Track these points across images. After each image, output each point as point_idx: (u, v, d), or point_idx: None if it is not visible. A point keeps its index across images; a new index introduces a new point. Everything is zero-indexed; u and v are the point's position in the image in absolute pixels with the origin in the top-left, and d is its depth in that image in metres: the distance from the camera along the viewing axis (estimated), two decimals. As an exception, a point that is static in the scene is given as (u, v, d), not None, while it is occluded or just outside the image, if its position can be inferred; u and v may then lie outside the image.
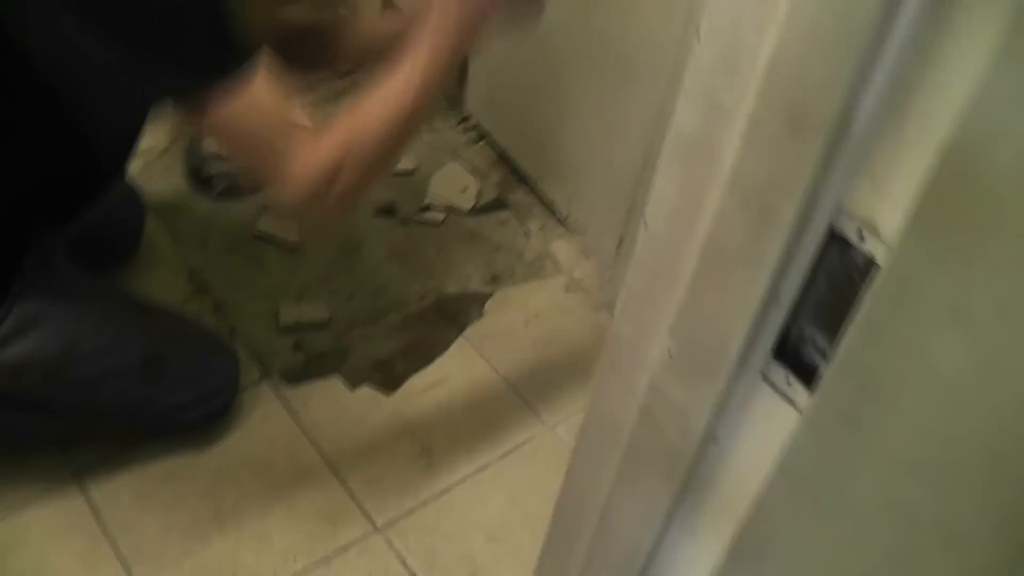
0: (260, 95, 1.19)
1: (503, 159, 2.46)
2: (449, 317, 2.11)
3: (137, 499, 1.76)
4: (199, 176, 2.28)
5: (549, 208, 2.34)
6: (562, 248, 2.28)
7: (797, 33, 0.57)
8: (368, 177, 1.32)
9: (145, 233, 2.14)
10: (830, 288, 0.67)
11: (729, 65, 0.63)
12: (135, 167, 2.31)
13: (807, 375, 0.72)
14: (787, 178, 0.61)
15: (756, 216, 0.65)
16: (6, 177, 1.44)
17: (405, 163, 2.42)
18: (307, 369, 1.98)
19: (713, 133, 0.66)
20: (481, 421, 1.95)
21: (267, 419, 1.90)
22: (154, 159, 2.36)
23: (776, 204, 0.63)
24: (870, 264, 0.63)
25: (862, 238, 0.62)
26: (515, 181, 2.42)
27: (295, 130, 1.24)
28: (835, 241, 0.64)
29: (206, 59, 1.18)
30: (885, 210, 0.60)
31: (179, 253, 2.16)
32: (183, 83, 1.20)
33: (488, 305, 2.15)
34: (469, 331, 2.09)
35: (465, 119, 2.56)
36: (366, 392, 1.97)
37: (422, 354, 2.04)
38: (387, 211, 2.31)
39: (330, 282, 2.14)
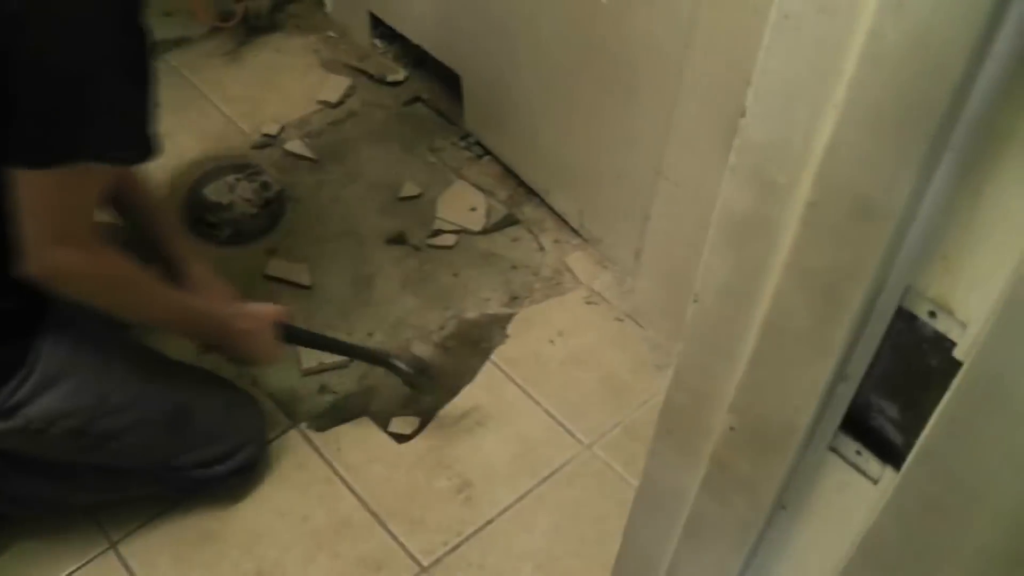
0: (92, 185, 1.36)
1: (509, 173, 2.42)
2: (472, 343, 2.08)
3: (176, 564, 1.74)
4: (204, 223, 2.25)
5: (562, 220, 2.31)
6: (579, 260, 2.24)
7: (858, 117, 0.54)
8: (111, 302, 1.50)
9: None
10: (898, 361, 0.64)
11: (781, 145, 0.59)
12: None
13: (877, 445, 0.69)
14: (853, 262, 0.58)
15: (820, 299, 0.62)
16: None
17: (410, 188, 2.39)
18: (335, 412, 1.96)
19: (767, 213, 0.62)
20: (517, 447, 1.92)
21: (300, 468, 1.87)
22: (157, 208, 2.32)
23: (842, 287, 0.60)
24: (943, 339, 0.60)
25: (934, 316, 0.59)
26: (524, 195, 2.38)
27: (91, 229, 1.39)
28: (903, 317, 0.61)
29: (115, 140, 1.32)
30: (959, 290, 0.57)
31: (193, 305, 2.12)
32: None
33: (510, 327, 2.12)
34: (494, 356, 2.06)
35: (465, 136, 2.53)
36: (397, 430, 1.94)
37: (449, 384, 2.01)
38: (397, 239, 2.28)
39: (347, 320, 2.11)
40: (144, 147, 1.35)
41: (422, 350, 1.99)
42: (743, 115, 0.62)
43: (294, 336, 1.78)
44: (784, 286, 0.63)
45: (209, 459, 1.70)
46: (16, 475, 1.64)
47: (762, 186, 0.62)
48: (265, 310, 1.71)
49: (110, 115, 1.30)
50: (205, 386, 1.76)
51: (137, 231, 1.69)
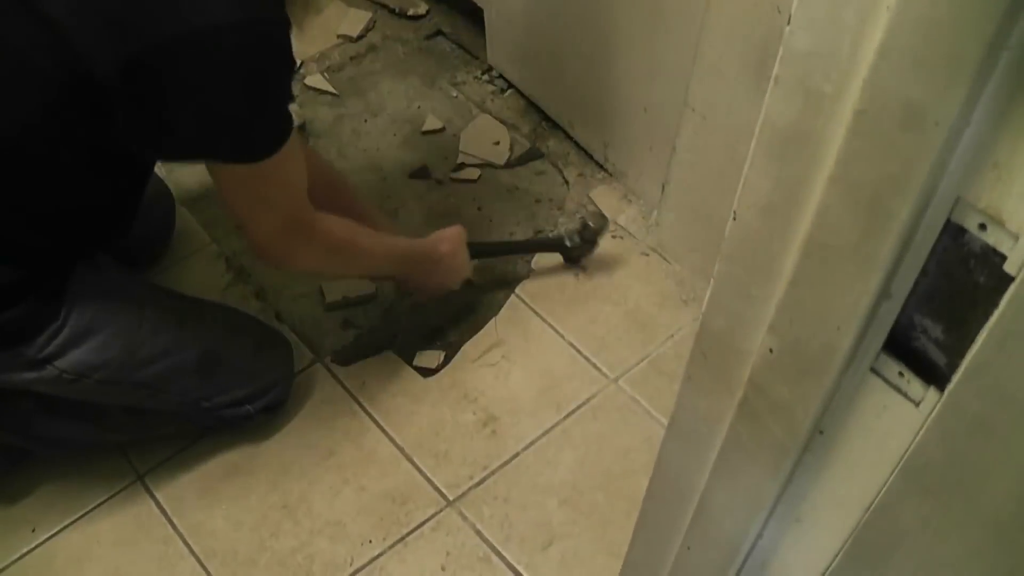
0: (293, 163, 1.40)
1: (532, 107, 2.39)
2: (497, 278, 2.07)
3: (203, 498, 1.75)
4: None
5: (586, 154, 2.28)
6: (603, 194, 2.22)
7: (912, 18, 0.51)
8: (337, 269, 1.73)
9: (177, 225, 2.10)
10: (944, 277, 0.62)
11: (829, 52, 0.57)
12: (160, 154, 2.27)
13: (920, 366, 0.67)
14: (902, 173, 0.56)
15: (866, 212, 0.60)
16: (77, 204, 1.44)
17: (432, 122, 2.36)
18: (358, 347, 1.95)
19: (812, 125, 0.60)
20: (542, 382, 1.91)
21: (324, 402, 1.87)
22: (178, 144, 2.31)
23: (889, 200, 0.58)
24: (992, 253, 0.58)
25: (983, 228, 0.57)
26: (547, 129, 2.35)
27: (307, 203, 1.47)
28: (951, 231, 0.59)
29: (269, 130, 1.34)
30: (1012, 199, 0.55)
31: (214, 241, 2.11)
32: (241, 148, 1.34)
33: (534, 261, 2.10)
34: (519, 290, 2.05)
35: (488, 70, 2.49)
36: (422, 364, 1.94)
37: (474, 319, 2.00)
38: (420, 173, 2.26)
39: (372, 254, 2.09)
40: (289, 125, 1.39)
41: (593, 219, 2.05)
42: (788, 23, 0.60)
43: (477, 251, 1.89)
44: (828, 200, 0.61)
45: (240, 399, 1.72)
46: (45, 416, 1.65)
47: (807, 96, 0.60)
48: (454, 230, 1.82)
49: (285, 97, 1.36)
50: (234, 328, 1.76)
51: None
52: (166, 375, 1.59)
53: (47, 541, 1.69)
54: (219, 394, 1.69)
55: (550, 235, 2.10)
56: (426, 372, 1.92)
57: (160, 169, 2.10)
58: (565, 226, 2.08)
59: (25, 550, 1.68)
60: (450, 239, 1.79)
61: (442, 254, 1.76)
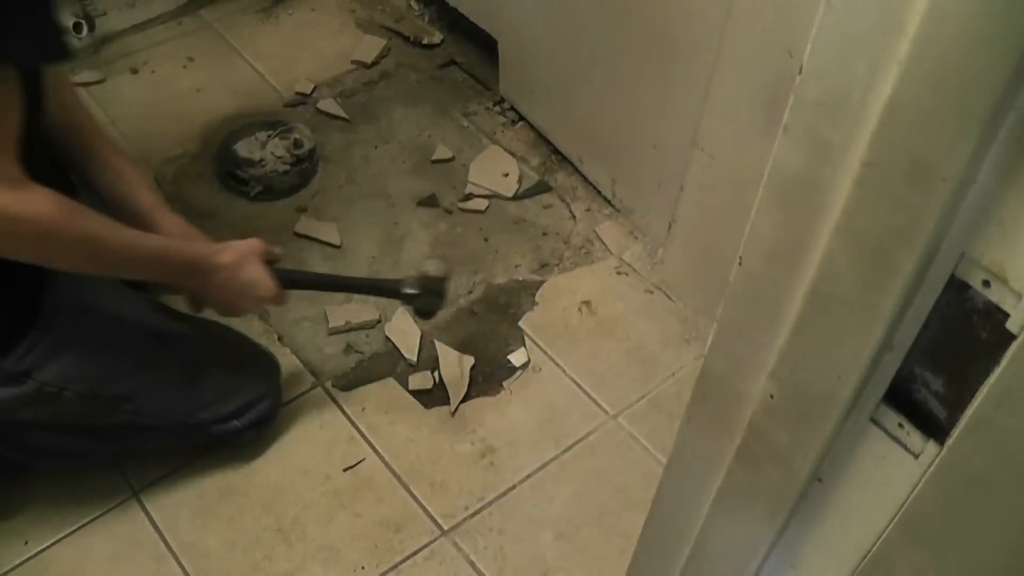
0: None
1: (542, 140, 2.40)
2: (501, 309, 2.07)
3: (197, 516, 1.74)
4: (235, 178, 2.25)
5: (594, 189, 2.29)
6: (610, 230, 2.22)
7: (921, 73, 0.52)
8: (56, 261, 1.33)
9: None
10: (946, 332, 0.62)
11: (838, 103, 0.57)
12: (168, 172, 2.28)
13: (920, 419, 0.67)
14: (907, 226, 0.56)
15: (870, 264, 0.60)
16: None
17: (442, 151, 2.37)
18: (360, 372, 1.95)
19: (819, 174, 0.61)
20: (541, 415, 1.91)
21: (323, 427, 1.87)
22: (187, 164, 2.32)
23: (894, 252, 0.58)
24: (995, 310, 0.58)
25: (987, 285, 0.57)
26: (556, 162, 2.36)
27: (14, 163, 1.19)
28: (955, 286, 0.60)
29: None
30: (1016, 258, 0.55)
31: (222, 260, 2.12)
32: None
33: (539, 294, 2.10)
34: (522, 322, 2.05)
35: (500, 102, 2.51)
36: (416, 386, 1.94)
37: (477, 349, 2.00)
38: (428, 202, 2.27)
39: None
40: (52, 44, 1.19)
41: (434, 266, 1.72)
42: (799, 72, 0.60)
43: (291, 279, 1.63)
44: (833, 250, 0.62)
45: (225, 415, 1.69)
46: (37, 429, 1.63)
47: (815, 146, 0.60)
48: (245, 244, 1.55)
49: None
50: (218, 342, 1.74)
51: (100, 187, 1.54)
52: (146, 388, 1.58)
53: (39, 554, 1.68)
54: (203, 410, 1.66)
55: (389, 279, 1.82)
56: (422, 396, 1.91)
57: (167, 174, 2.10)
58: (407, 274, 1.74)
59: (17, 562, 1.67)
60: (236, 251, 1.52)
61: (219, 265, 1.49)
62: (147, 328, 1.59)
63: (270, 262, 1.59)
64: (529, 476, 1.82)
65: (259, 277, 1.55)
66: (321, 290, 1.93)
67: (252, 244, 1.56)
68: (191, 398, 1.65)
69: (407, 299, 1.70)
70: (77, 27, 2.43)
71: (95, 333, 1.50)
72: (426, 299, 1.70)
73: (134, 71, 2.54)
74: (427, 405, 1.91)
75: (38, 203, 1.20)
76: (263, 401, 1.74)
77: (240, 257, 1.52)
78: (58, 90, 1.45)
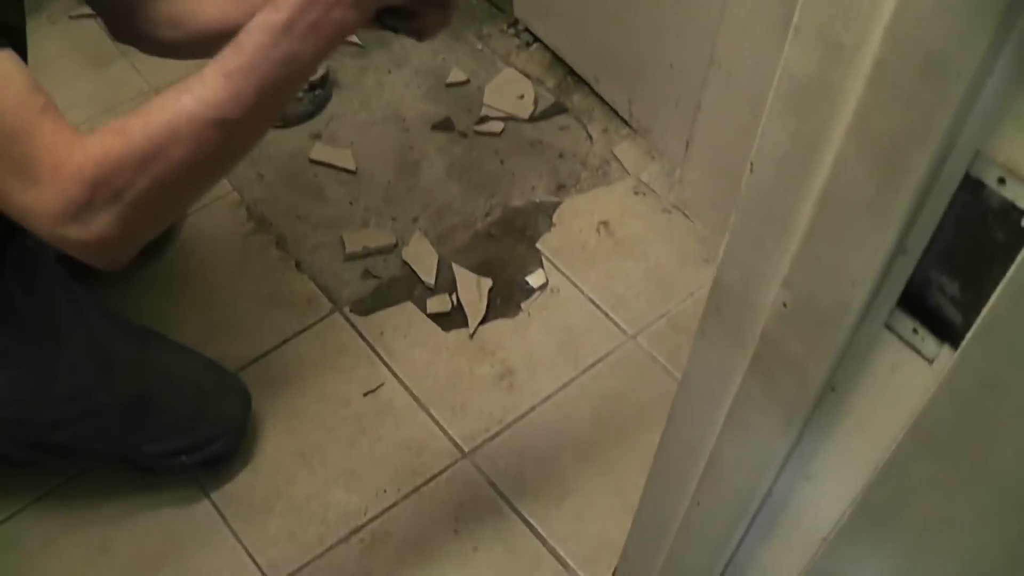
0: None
1: (558, 62, 2.37)
2: (518, 231, 2.06)
3: (222, 442, 1.76)
4: (249, 105, 2.23)
5: (611, 109, 2.27)
6: (627, 150, 2.20)
7: (933, -35, 0.50)
8: (171, 191, 0.95)
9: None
10: (961, 233, 0.61)
11: (849, 1, 0.56)
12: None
13: (935, 323, 0.66)
14: (921, 125, 0.55)
15: (884, 165, 0.59)
16: None
17: (456, 75, 2.35)
18: (377, 296, 1.95)
19: (831, 76, 0.59)
20: (560, 336, 1.91)
21: (342, 352, 1.88)
22: (202, 91, 2.30)
23: (908, 152, 0.57)
24: (1011, 209, 0.57)
25: (1003, 183, 0.56)
26: (572, 84, 2.34)
27: (51, 119, 0.92)
28: (969, 185, 0.58)
29: None
30: (1033, 153, 0.54)
31: (235, 189, 2.11)
32: None
33: (556, 215, 2.09)
34: (540, 244, 2.04)
35: (514, 23, 2.47)
36: (435, 309, 1.94)
37: (494, 272, 1.99)
38: (443, 126, 2.25)
39: (392, 205, 2.09)
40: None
41: None
42: (809, -30, 0.58)
43: None
44: (846, 153, 0.60)
45: (173, 450, 1.59)
46: None
47: (827, 46, 0.59)
48: None
49: None
50: (176, 373, 1.62)
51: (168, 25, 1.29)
52: (81, 417, 1.47)
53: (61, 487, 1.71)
54: (148, 443, 1.56)
55: None
56: (441, 319, 1.92)
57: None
58: None
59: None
60: None
61: None
62: (93, 355, 1.48)
63: None
64: (548, 397, 1.83)
65: None
66: None
67: None
68: (135, 431, 1.54)
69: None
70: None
71: (28, 359, 1.39)
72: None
73: None
74: (445, 328, 1.91)
75: (110, 149, 0.91)
76: (218, 441, 1.64)
77: None
78: None
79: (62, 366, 1.42)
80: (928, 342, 0.67)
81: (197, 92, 0.93)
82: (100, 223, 0.91)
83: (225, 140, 0.95)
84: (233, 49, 0.93)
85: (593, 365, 1.87)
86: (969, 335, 0.58)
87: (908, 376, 0.69)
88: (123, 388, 1.50)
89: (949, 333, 0.65)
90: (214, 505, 1.68)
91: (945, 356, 0.65)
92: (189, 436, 1.59)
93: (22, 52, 0.98)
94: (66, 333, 1.45)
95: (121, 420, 1.51)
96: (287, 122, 2.23)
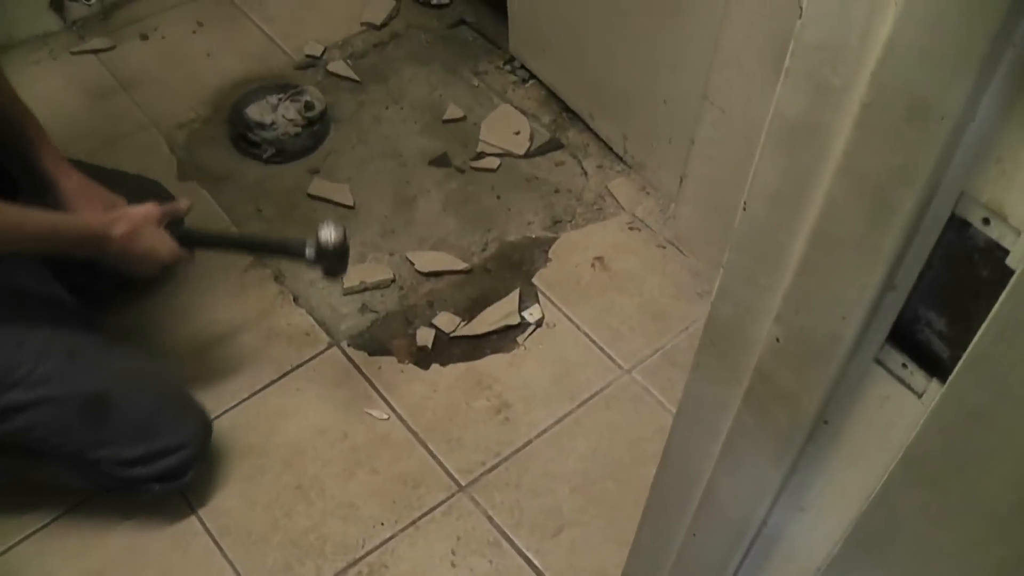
0: None
1: (553, 98, 2.40)
2: (514, 266, 2.08)
3: (218, 476, 1.77)
4: (247, 141, 2.26)
5: (606, 145, 2.29)
6: (621, 186, 2.23)
7: (919, 12, 0.52)
8: None
9: (197, 207, 2.11)
10: (948, 271, 0.63)
11: (837, 46, 0.58)
12: (180, 137, 2.29)
13: (923, 358, 0.68)
14: (907, 165, 0.57)
15: (872, 204, 0.61)
16: None
17: (453, 111, 2.37)
18: (375, 331, 1.97)
19: (821, 117, 0.61)
20: (556, 370, 1.92)
21: (340, 386, 1.89)
22: (199, 128, 2.33)
23: (894, 192, 0.59)
24: (995, 248, 0.59)
25: (987, 223, 0.58)
26: (568, 120, 2.36)
27: None
28: (955, 225, 0.60)
29: None
30: (1014, 195, 0.56)
31: (234, 224, 2.13)
32: None
33: (552, 250, 2.11)
34: (535, 279, 2.06)
35: (510, 60, 2.50)
36: (421, 342, 1.95)
37: (491, 306, 2.01)
38: (440, 161, 2.27)
39: (389, 240, 2.11)
40: None
41: (328, 231, 1.61)
42: (799, 17, 0.61)
43: (195, 239, 1.64)
44: (835, 191, 0.62)
45: (130, 458, 1.58)
46: None
47: (816, 89, 0.61)
48: (141, 210, 1.55)
49: None
50: (138, 378, 1.63)
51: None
52: (44, 404, 1.48)
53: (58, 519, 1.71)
54: (105, 446, 1.55)
55: (294, 239, 1.68)
56: (423, 352, 1.94)
57: (178, 139, 2.10)
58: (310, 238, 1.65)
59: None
60: (129, 220, 1.51)
61: (112, 237, 1.49)
62: (62, 342, 1.52)
63: (174, 221, 1.61)
64: (545, 431, 1.84)
65: (157, 243, 1.56)
66: (226, 250, 1.83)
67: (148, 211, 1.55)
68: (92, 430, 1.54)
69: (309, 263, 1.65)
70: (86, -7, 2.44)
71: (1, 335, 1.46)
72: (328, 262, 1.65)
73: (144, 37, 2.55)
74: (443, 363, 1.92)
75: None
76: (176, 453, 1.62)
77: (133, 227, 1.52)
78: None
79: (27, 351, 1.46)
80: (917, 376, 0.68)
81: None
82: None
83: None
84: (41, 217, 1.42)
85: (589, 399, 1.89)
86: (956, 369, 0.59)
87: (898, 409, 0.71)
88: (85, 381, 1.52)
89: (937, 368, 0.67)
90: (212, 538, 1.69)
91: (934, 390, 0.67)
92: (145, 444, 1.58)
93: None
94: (33, 322, 1.49)
95: (79, 414, 1.51)
96: (286, 158, 2.25)
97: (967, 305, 0.63)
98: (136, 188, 1.80)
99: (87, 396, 1.52)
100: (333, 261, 1.65)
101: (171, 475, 1.62)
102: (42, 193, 1.55)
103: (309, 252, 1.62)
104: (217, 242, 1.78)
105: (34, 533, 1.69)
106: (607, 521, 1.73)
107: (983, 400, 0.58)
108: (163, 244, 1.57)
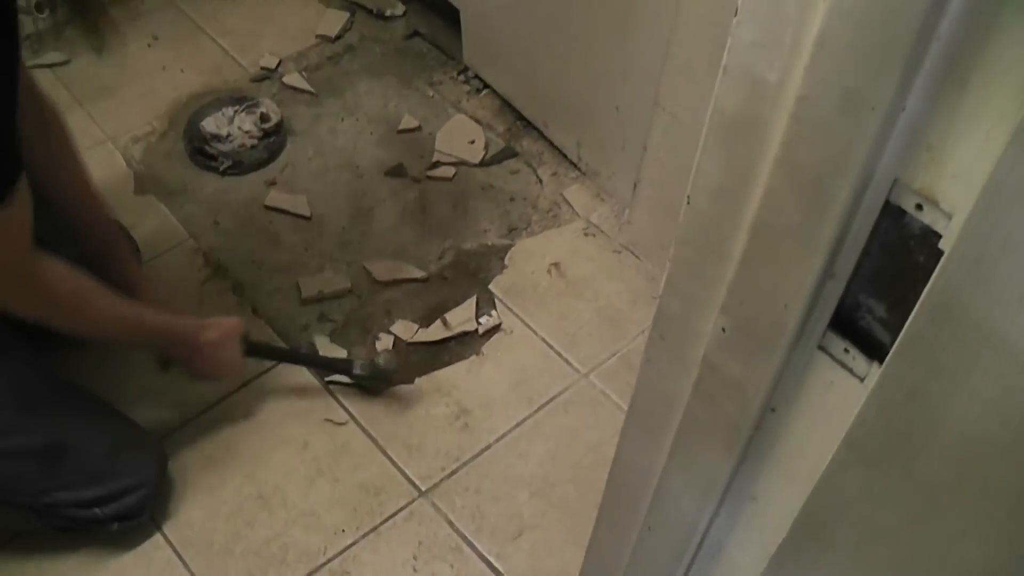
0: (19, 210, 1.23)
1: (507, 107, 2.43)
2: (471, 273, 2.10)
3: (179, 488, 1.77)
4: (204, 154, 2.26)
5: (560, 153, 2.32)
6: (576, 193, 2.25)
7: (846, 8, 0.55)
8: (62, 323, 1.40)
9: (154, 221, 2.12)
10: (885, 258, 0.65)
11: (772, 42, 0.60)
12: (136, 151, 2.29)
13: (865, 343, 0.70)
14: (841, 156, 0.60)
15: (809, 194, 0.63)
16: None
17: (408, 121, 2.39)
18: (334, 340, 1.97)
19: (758, 111, 0.64)
20: (514, 376, 1.94)
21: (299, 395, 1.90)
22: (155, 142, 2.33)
23: (830, 181, 0.61)
24: (929, 233, 0.61)
25: (920, 209, 0.61)
26: (522, 128, 2.39)
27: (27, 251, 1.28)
28: (891, 212, 0.63)
29: None
30: (944, 181, 0.58)
31: (191, 236, 2.14)
32: None
33: (508, 257, 2.13)
34: (492, 286, 2.08)
35: (464, 70, 2.53)
36: (386, 347, 1.97)
37: (447, 314, 2.03)
38: (396, 171, 2.29)
39: (346, 250, 2.12)
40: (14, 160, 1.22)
41: (387, 357, 1.88)
42: (735, 15, 0.63)
43: (256, 349, 1.78)
44: (774, 183, 0.65)
45: (87, 500, 1.58)
46: None
47: (753, 84, 0.63)
48: (231, 322, 1.68)
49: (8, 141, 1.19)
50: (93, 423, 1.63)
51: (88, 252, 1.60)
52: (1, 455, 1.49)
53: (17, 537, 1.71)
54: (61, 490, 1.55)
55: (342, 358, 1.92)
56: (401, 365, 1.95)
57: (135, 152, 2.10)
58: (360, 355, 1.93)
59: None
60: (220, 329, 1.65)
61: (203, 343, 1.62)
62: (15, 392, 1.49)
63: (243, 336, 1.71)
64: (504, 436, 1.86)
65: (234, 356, 1.69)
66: (282, 361, 1.94)
67: (235, 325, 1.69)
68: (49, 476, 1.53)
69: (356, 379, 1.87)
70: (39, 7, 2.43)
71: None
72: (373, 382, 1.89)
73: (99, 51, 2.55)
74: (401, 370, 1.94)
75: (57, 283, 1.35)
76: (134, 493, 1.62)
77: (223, 336, 1.65)
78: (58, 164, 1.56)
79: None
80: (859, 361, 0.71)
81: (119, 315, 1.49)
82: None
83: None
84: (151, 316, 1.54)
85: (547, 403, 1.90)
86: (893, 349, 0.62)
87: (842, 394, 0.73)
88: (40, 428, 1.51)
89: (878, 352, 0.69)
90: (174, 550, 1.69)
91: (875, 374, 0.69)
92: (103, 486, 1.58)
93: None
94: None
95: (38, 461, 1.50)
96: (242, 170, 2.26)
97: (906, 291, 0.65)
98: None
99: (44, 444, 1.51)
100: (378, 382, 1.89)
101: (129, 514, 1.63)
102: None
103: (356, 371, 1.83)
104: (277, 355, 1.91)
105: (-7, 549, 1.68)
106: (567, 524, 1.74)
107: (918, 379, 0.61)
108: (236, 359, 1.70)
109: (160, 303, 1.63)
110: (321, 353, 1.95)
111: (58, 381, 1.60)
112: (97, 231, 1.63)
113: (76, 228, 1.60)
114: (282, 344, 1.96)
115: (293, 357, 1.92)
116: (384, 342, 1.96)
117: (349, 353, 1.93)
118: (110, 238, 1.65)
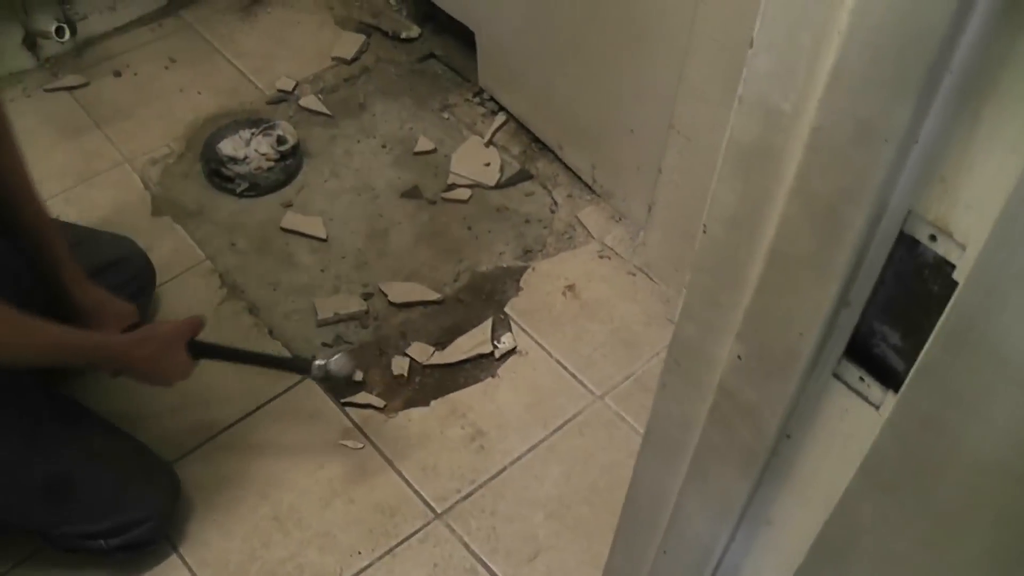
0: None
1: (523, 130, 2.44)
2: (486, 296, 2.10)
3: (195, 508, 1.78)
4: (220, 176, 2.27)
5: (575, 175, 2.33)
6: (591, 215, 2.26)
7: (861, 41, 0.55)
8: None
9: (171, 242, 2.14)
10: (900, 287, 0.66)
11: (787, 73, 0.61)
12: (154, 173, 2.31)
13: (880, 372, 0.71)
14: (855, 186, 0.60)
15: (824, 223, 0.63)
16: None
17: (424, 143, 2.40)
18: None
19: (773, 141, 0.64)
20: (529, 398, 1.95)
21: (314, 417, 1.90)
22: (172, 164, 2.35)
23: (845, 211, 0.62)
24: (943, 263, 0.62)
25: (934, 240, 0.61)
26: (537, 151, 2.40)
27: None
28: (905, 242, 0.63)
29: None
30: (958, 211, 0.59)
31: (208, 258, 2.15)
32: None
33: (523, 280, 2.14)
34: (508, 308, 2.08)
35: (479, 93, 2.54)
36: (396, 371, 1.97)
37: (464, 335, 2.03)
38: (411, 193, 2.30)
39: (362, 272, 2.13)
40: None
41: (339, 364, 1.72)
42: (751, 46, 0.64)
43: (205, 351, 1.67)
44: (789, 212, 0.65)
45: (93, 533, 1.58)
46: None
47: (768, 114, 0.64)
48: (174, 328, 1.58)
49: None
50: (100, 457, 1.62)
51: (26, 250, 1.56)
52: (3, 493, 1.49)
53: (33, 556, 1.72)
54: (68, 523, 1.56)
55: (294, 358, 1.95)
56: (397, 382, 1.96)
57: (152, 175, 2.12)
58: (317, 356, 1.77)
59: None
60: (156, 342, 1.54)
61: (136, 358, 1.51)
62: (19, 428, 1.50)
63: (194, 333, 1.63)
64: (519, 458, 1.86)
65: (177, 363, 1.59)
66: (234, 362, 1.83)
67: (174, 330, 1.58)
68: (54, 511, 1.54)
69: (314, 379, 1.87)
70: (59, 31, 2.45)
71: None
72: (330, 383, 1.91)
73: (117, 74, 2.57)
74: (417, 392, 1.94)
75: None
76: (141, 526, 1.62)
77: (159, 348, 1.55)
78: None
79: None
80: (874, 389, 0.71)
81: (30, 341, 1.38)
82: None
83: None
84: (70, 336, 1.44)
85: (562, 426, 1.91)
86: (908, 378, 0.62)
87: (857, 421, 0.73)
88: (44, 464, 1.50)
89: (893, 380, 0.70)
90: (190, 570, 1.69)
91: (890, 402, 0.70)
92: (109, 520, 1.58)
93: None
94: None
95: (42, 498, 1.51)
96: (259, 192, 2.27)
97: (920, 319, 0.65)
98: (109, 246, 1.84)
99: (47, 480, 1.50)
100: (334, 382, 1.90)
101: (137, 543, 1.64)
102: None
103: (316, 371, 1.72)
104: (226, 355, 1.80)
105: (6, 574, 1.68)
106: (582, 546, 1.74)
107: (934, 407, 0.61)
108: (181, 363, 1.58)
109: (98, 306, 1.57)
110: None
111: (69, 409, 1.61)
112: (34, 230, 1.56)
113: (15, 226, 1.54)
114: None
115: (244, 357, 1.84)
116: (399, 364, 1.96)
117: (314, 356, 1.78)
118: (47, 239, 1.57)
